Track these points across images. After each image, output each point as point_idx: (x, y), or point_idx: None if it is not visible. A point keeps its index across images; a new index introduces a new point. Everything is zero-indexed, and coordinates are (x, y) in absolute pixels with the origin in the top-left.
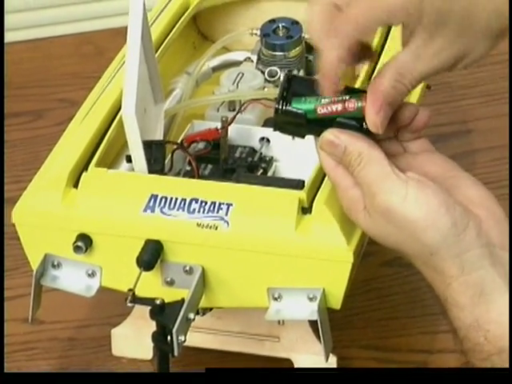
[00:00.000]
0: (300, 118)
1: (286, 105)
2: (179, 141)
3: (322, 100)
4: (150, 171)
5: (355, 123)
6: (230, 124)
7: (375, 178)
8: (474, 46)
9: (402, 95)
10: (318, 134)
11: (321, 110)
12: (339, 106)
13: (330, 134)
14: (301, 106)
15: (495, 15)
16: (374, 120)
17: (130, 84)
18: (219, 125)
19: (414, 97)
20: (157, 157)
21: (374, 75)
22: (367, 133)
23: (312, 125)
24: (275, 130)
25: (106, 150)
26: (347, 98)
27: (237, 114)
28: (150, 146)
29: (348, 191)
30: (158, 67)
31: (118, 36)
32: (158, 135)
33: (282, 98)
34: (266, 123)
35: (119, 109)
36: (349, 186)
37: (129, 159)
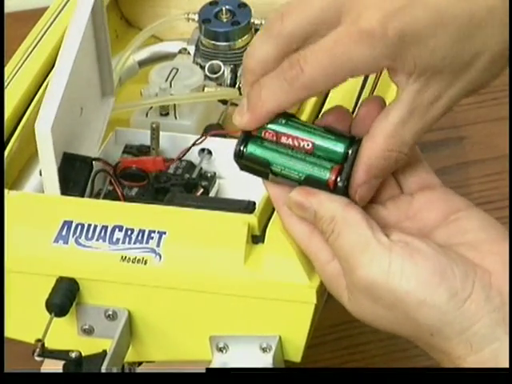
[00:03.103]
0: (264, 166)
1: (247, 147)
2: (115, 163)
3: (281, 168)
4: (66, 195)
5: (328, 178)
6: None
7: (351, 250)
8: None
9: (396, 164)
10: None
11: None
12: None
13: (297, 195)
14: (265, 153)
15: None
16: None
17: (53, 94)
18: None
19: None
20: (77, 179)
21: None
22: (342, 191)
23: (279, 176)
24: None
25: (8, 165)
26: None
27: (191, 146)
28: (72, 162)
29: (328, 265)
30: (110, 54)
31: (18, 22)
32: (97, 138)
33: (244, 138)
34: (208, 131)
35: (23, 114)
36: (327, 259)
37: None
